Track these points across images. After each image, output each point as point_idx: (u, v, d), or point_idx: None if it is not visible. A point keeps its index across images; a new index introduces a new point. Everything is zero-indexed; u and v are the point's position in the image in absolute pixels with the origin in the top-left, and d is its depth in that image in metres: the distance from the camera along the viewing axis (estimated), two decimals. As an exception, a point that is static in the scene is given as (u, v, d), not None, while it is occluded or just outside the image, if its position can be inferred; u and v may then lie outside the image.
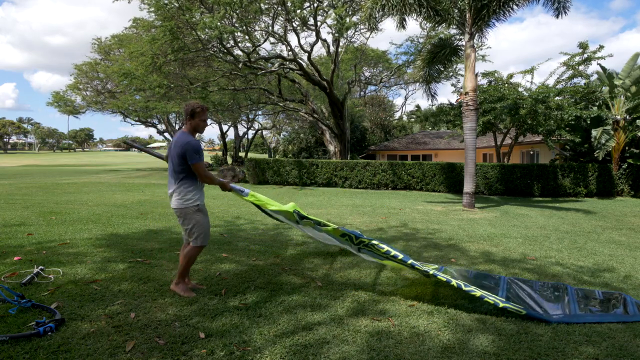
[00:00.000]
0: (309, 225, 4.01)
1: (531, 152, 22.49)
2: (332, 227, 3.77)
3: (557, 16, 10.71)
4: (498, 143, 18.84)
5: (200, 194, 3.60)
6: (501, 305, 3.27)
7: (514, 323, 3.17)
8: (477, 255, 5.47)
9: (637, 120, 14.71)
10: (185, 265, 3.61)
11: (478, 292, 3.35)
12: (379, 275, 4.39)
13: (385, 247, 3.54)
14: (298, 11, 15.30)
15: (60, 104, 33.01)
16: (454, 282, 3.40)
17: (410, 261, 3.48)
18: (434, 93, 13.67)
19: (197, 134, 3.69)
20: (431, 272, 3.46)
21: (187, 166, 3.47)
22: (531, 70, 17.92)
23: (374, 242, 3.58)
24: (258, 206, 3.89)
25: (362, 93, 35.05)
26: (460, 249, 5.81)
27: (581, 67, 17.87)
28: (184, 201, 3.50)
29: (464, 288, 3.37)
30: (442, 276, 3.46)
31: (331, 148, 21.93)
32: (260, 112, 35.79)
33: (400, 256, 3.50)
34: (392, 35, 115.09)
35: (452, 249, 5.79)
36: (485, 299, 3.30)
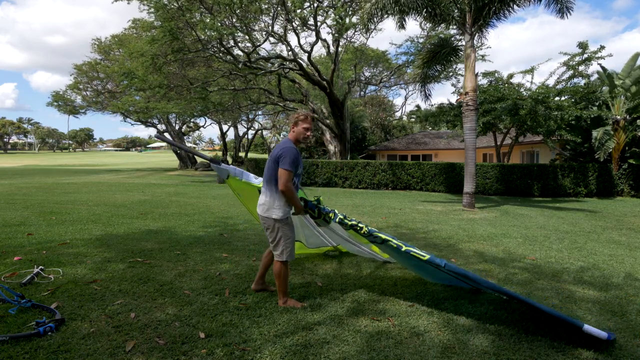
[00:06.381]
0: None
1: (531, 152, 22.49)
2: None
3: (562, 16, 10.69)
4: (498, 143, 18.85)
5: (290, 205, 3.46)
6: (404, 248, 3.27)
7: (514, 323, 3.17)
8: (477, 255, 5.47)
9: (638, 120, 14.72)
10: (282, 283, 3.44)
11: (384, 235, 3.38)
12: (379, 275, 4.40)
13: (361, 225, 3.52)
14: (298, 11, 15.30)
15: (60, 103, 33.03)
16: (364, 227, 3.45)
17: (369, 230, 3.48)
18: (429, 94, 13.62)
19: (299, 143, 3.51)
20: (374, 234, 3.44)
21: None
22: (531, 70, 17.93)
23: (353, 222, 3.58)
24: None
25: (362, 93, 35.08)
26: (460, 249, 5.80)
27: (581, 67, 17.86)
28: (276, 211, 3.36)
29: (373, 234, 3.42)
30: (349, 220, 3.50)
31: (331, 148, 21.93)
32: (260, 112, 35.88)
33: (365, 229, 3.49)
34: (392, 36, 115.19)
35: (452, 249, 5.79)
36: (389, 242, 3.33)
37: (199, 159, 38.80)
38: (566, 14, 10.70)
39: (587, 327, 2.69)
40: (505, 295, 3.16)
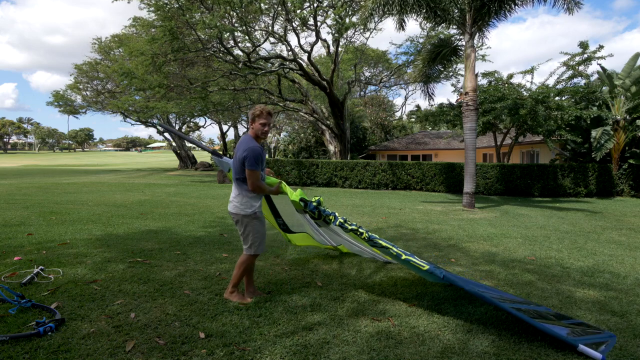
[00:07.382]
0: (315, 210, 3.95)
1: (531, 152, 22.48)
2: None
3: (570, 13, 10.62)
4: (498, 143, 18.84)
5: (259, 201, 3.53)
6: (403, 257, 3.27)
7: (514, 324, 3.17)
8: (478, 255, 5.47)
9: (637, 120, 14.71)
10: (240, 274, 3.49)
11: (384, 242, 3.39)
12: (379, 275, 4.39)
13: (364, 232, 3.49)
14: (298, 11, 15.31)
15: (61, 103, 33.06)
16: (365, 233, 3.44)
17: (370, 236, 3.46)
18: (432, 93, 13.73)
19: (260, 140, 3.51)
20: (383, 244, 3.41)
21: None
22: (531, 71, 17.92)
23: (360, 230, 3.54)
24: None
25: (362, 93, 35.08)
26: (460, 249, 5.80)
27: (581, 67, 17.85)
28: (244, 207, 3.42)
29: (373, 239, 3.41)
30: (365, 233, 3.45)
31: (331, 148, 21.93)
32: (260, 112, 35.83)
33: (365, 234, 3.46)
34: (392, 36, 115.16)
35: (452, 249, 5.79)
36: (390, 249, 3.33)
37: (199, 159, 38.77)
38: (575, 9, 10.62)
39: (582, 347, 2.69)
40: (502, 311, 3.13)
